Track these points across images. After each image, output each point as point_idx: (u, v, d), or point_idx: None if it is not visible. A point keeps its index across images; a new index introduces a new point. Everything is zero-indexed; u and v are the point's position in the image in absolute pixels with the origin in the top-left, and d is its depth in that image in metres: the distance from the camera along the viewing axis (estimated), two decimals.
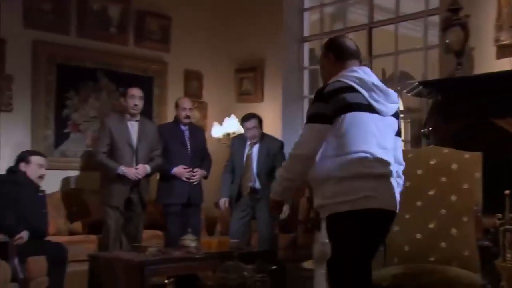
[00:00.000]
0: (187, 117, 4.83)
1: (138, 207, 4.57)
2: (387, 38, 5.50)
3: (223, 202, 4.82)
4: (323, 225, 2.04)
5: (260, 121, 4.80)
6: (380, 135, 2.34)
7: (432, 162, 3.20)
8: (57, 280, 3.75)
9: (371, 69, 5.73)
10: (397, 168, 2.45)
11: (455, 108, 3.85)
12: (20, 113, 4.88)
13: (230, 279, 2.03)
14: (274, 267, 1.96)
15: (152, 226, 5.02)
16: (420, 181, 3.17)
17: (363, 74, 2.39)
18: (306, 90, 6.09)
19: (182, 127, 4.86)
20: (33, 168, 4.06)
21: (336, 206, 2.27)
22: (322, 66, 2.54)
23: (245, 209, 4.76)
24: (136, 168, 4.47)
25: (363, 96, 2.33)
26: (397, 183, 2.44)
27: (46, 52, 5.03)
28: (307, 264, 5.74)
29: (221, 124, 5.81)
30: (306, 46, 6.11)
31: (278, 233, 5.05)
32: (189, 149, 4.82)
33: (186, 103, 4.88)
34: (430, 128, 3.89)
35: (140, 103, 4.58)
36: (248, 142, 4.80)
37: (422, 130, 4.03)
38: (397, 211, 2.40)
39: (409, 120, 7.67)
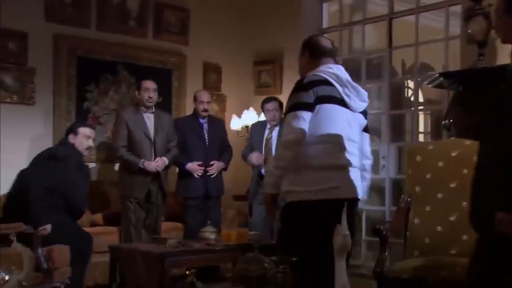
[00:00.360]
0: (205, 110, 4.85)
1: (158, 199, 4.62)
2: (407, 29, 5.43)
3: (255, 154, 4.77)
4: (344, 217, 2.03)
5: (281, 104, 4.82)
6: (350, 128, 2.54)
7: (453, 154, 3.17)
8: (80, 271, 3.80)
9: (391, 60, 5.70)
10: (364, 161, 2.70)
11: (477, 99, 3.80)
12: (42, 106, 4.94)
13: (251, 271, 2.03)
14: (295, 259, 1.97)
15: (171, 218, 5.07)
16: (441, 173, 3.15)
17: (337, 71, 2.57)
18: None
19: (201, 120, 4.87)
20: (80, 140, 4.09)
21: (303, 194, 2.45)
22: (300, 63, 2.76)
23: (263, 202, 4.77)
24: (156, 161, 4.52)
25: (338, 90, 2.52)
26: (363, 177, 2.68)
27: (67, 45, 5.09)
28: None
29: (239, 116, 5.82)
30: None
31: None
32: (207, 143, 4.84)
33: (204, 96, 4.90)
34: (451, 120, 3.84)
35: (154, 95, 4.61)
36: (268, 126, 4.84)
37: (443, 122, 3.98)
38: (359, 197, 2.59)
39: (428, 112, 7.59)
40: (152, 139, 4.59)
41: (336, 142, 2.49)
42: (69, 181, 3.90)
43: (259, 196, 4.82)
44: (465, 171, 3.10)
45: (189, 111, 5.86)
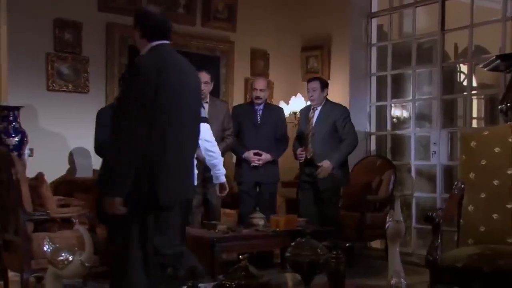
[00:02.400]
0: (258, 97, 4.82)
1: (214, 186, 4.64)
2: (461, 10, 5.26)
3: (300, 150, 4.81)
4: (397, 204, 2.01)
5: (323, 84, 4.79)
6: None
7: (510, 140, 3.07)
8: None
9: (443, 44, 5.52)
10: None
11: None
12: (95, 94, 5.07)
13: (303, 256, 2.04)
14: (348, 244, 1.97)
15: (228, 205, 5.14)
16: (498, 159, 3.06)
17: None
18: (374, 68, 5.96)
19: (256, 107, 4.86)
20: None
21: None
22: None
23: (309, 189, 4.78)
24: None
25: None
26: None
27: (119, 34, 5.18)
28: (375, 244, 5.70)
29: (287, 103, 5.80)
30: (374, 22, 5.95)
31: (342, 213, 4.99)
32: (261, 130, 4.83)
33: (257, 83, 4.87)
34: (509, 104, 3.70)
35: (205, 88, 4.57)
36: (312, 107, 4.84)
37: (500, 106, 3.85)
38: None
39: (482, 97, 7.35)
40: None
41: None
42: None
43: (303, 184, 4.82)
44: None
45: (237, 98, 5.90)
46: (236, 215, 4.97)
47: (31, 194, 3.64)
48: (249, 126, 4.82)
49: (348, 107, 5.06)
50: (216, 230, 4.03)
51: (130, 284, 2.40)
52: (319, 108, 4.80)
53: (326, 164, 4.63)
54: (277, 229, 4.16)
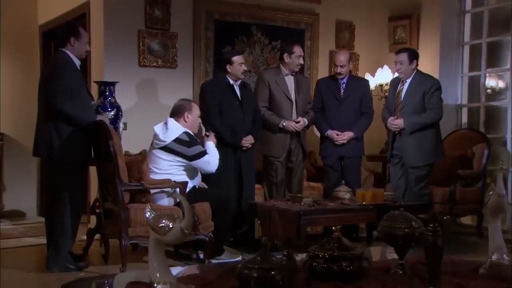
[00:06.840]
0: (338, 73, 4.74)
1: (299, 157, 4.69)
2: None
3: (392, 119, 4.67)
4: (499, 176, 1.92)
5: (412, 56, 4.53)
6: None
7: None
8: (222, 224, 4.01)
9: None
10: None
11: None
12: (183, 68, 5.19)
13: (397, 229, 2.01)
14: (446, 217, 1.91)
15: (313, 179, 5.15)
16: None
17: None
18: (467, 36, 5.66)
19: (340, 81, 4.79)
20: (237, 67, 4.36)
21: None
22: None
23: (399, 162, 4.64)
24: (296, 122, 4.58)
25: None
26: None
27: (205, 9, 5.25)
28: (465, 220, 5.50)
29: (373, 75, 5.66)
30: None
31: (432, 187, 4.82)
32: (344, 104, 4.75)
33: (337, 58, 4.79)
34: None
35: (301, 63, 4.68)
36: (401, 80, 4.65)
37: None
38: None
39: None
40: (293, 100, 4.65)
41: None
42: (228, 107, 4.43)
43: (393, 159, 4.68)
44: None
45: (321, 71, 5.83)
46: (321, 188, 5.00)
47: (133, 168, 3.83)
48: (332, 100, 4.76)
49: (437, 78, 4.83)
50: (302, 203, 4.04)
51: None
52: (408, 81, 4.57)
53: (398, 122, 4.49)
54: (364, 203, 4.12)
